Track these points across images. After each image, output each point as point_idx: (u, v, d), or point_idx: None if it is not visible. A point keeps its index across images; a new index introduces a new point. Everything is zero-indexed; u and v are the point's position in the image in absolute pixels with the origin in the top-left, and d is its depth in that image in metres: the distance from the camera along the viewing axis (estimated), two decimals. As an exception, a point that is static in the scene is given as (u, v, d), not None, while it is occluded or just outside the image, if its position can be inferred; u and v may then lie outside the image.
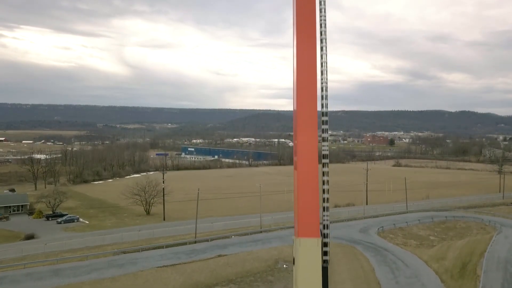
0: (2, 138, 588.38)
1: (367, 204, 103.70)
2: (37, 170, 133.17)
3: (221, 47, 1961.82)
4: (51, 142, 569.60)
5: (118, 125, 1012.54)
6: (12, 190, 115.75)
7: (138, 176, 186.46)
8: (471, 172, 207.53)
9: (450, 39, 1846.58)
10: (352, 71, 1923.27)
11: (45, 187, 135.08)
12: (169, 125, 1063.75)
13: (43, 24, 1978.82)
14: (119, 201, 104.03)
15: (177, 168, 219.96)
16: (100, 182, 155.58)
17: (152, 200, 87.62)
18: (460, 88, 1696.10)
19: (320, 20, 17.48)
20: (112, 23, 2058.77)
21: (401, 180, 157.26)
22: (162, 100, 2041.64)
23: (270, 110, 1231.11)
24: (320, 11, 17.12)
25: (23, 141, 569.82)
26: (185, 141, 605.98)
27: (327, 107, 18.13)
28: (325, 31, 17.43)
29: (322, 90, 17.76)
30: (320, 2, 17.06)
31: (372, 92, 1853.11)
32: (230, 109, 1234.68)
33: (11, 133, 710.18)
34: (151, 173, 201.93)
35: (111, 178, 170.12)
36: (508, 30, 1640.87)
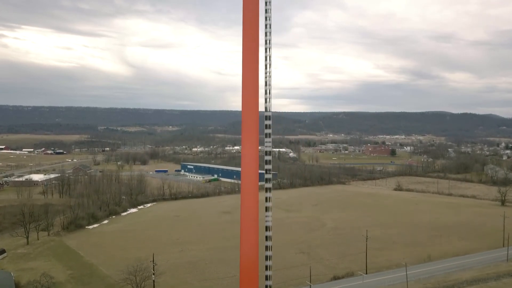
0: (3, 146, 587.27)
1: (366, 273, 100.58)
2: (29, 222, 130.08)
3: (222, 47, 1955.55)
4: (52, 150, 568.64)
5: (119, 128, 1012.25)
6: (2, 252, 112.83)
7: (135, 211, 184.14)
8: (473, 203, 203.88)
9: (453, 38, 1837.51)
10: (354, 71, 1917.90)
11: (38, 238, 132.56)
12: (170, 128, 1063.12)
13: (44, 24, 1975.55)
14: (113, 265, 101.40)
15: (175, 197, 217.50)
16: (95, 226, 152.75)
17: (143, 283, 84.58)
18: (462, 87, 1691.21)
19: (266, 19, 17.04)
20: (114, 22, 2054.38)
21: (404, 219, 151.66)
22: (163, 100, 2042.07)
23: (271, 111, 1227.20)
24: (266, 11, 16.50)
25: (24, 149, 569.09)
26: (186, 148, 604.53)
27: (270, 110, 19.08)
28: (270, 32, 17.26)
29: (266, 93, 17.44)
30: (266, 3, 16.74)
31: (374, 92, 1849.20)
32: (231, 111, 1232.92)
33: (12, 138, 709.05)
34: (148, 205, 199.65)
35: (107, 217, 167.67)
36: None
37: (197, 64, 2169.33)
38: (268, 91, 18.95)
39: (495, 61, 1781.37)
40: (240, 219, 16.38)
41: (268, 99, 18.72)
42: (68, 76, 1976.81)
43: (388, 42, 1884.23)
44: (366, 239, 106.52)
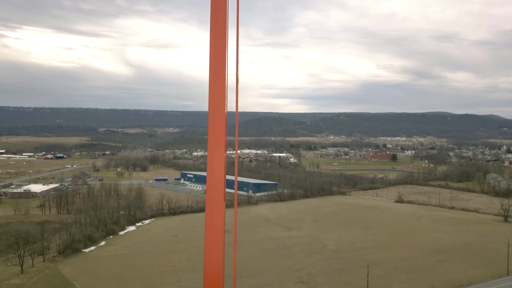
0: (3, 151, 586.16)
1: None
2: (24, 250, 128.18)
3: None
4: (52, 154, 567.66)
5: (120, 130, 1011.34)
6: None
7: (133, 230, 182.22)
8: (476, 218, 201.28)
9: (455, 38, 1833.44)
10: (356, 71, 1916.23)
11: (33, 266, 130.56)
12: (171, 130, 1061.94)
13: (45, 24, 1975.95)
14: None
15: (174, 212, 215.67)
16: (92, 248, 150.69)
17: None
18: (464, 87, 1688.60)
19: (236, 20, 16.10)
20: (115, 23, 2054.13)
21: (405, 238, 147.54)
22: (164, 100, 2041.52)
23: (271, 112, 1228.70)
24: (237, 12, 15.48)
25: (24, 153, 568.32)
26: (186, 152, 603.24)
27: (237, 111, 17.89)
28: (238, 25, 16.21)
29: (236, 93, 16.30)
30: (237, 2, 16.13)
31: (375, 92, 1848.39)
32: (231, 112, 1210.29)
33: (12, 142, 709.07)
34: (147, 221, 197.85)
35: (105, 237, 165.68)
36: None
37: (198, 64, 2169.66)
38: (236, 90, 17.94)
39: (497, 61, 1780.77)
40: (205, 232, 14.12)
41: (236, 99, 17.64)
42: (69, 76, 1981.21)
43: (389, 42, 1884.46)
44: (367, 275, 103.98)
